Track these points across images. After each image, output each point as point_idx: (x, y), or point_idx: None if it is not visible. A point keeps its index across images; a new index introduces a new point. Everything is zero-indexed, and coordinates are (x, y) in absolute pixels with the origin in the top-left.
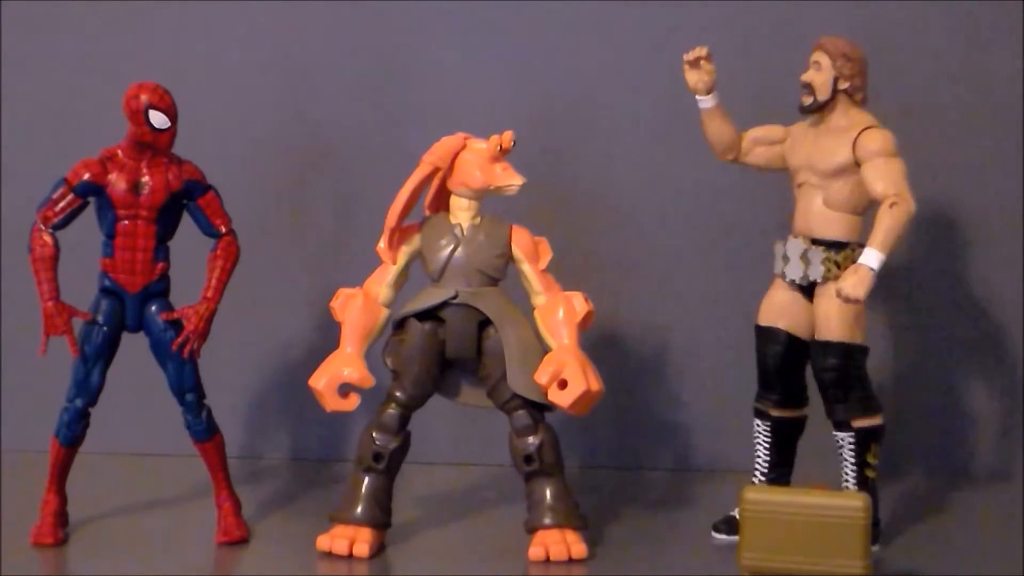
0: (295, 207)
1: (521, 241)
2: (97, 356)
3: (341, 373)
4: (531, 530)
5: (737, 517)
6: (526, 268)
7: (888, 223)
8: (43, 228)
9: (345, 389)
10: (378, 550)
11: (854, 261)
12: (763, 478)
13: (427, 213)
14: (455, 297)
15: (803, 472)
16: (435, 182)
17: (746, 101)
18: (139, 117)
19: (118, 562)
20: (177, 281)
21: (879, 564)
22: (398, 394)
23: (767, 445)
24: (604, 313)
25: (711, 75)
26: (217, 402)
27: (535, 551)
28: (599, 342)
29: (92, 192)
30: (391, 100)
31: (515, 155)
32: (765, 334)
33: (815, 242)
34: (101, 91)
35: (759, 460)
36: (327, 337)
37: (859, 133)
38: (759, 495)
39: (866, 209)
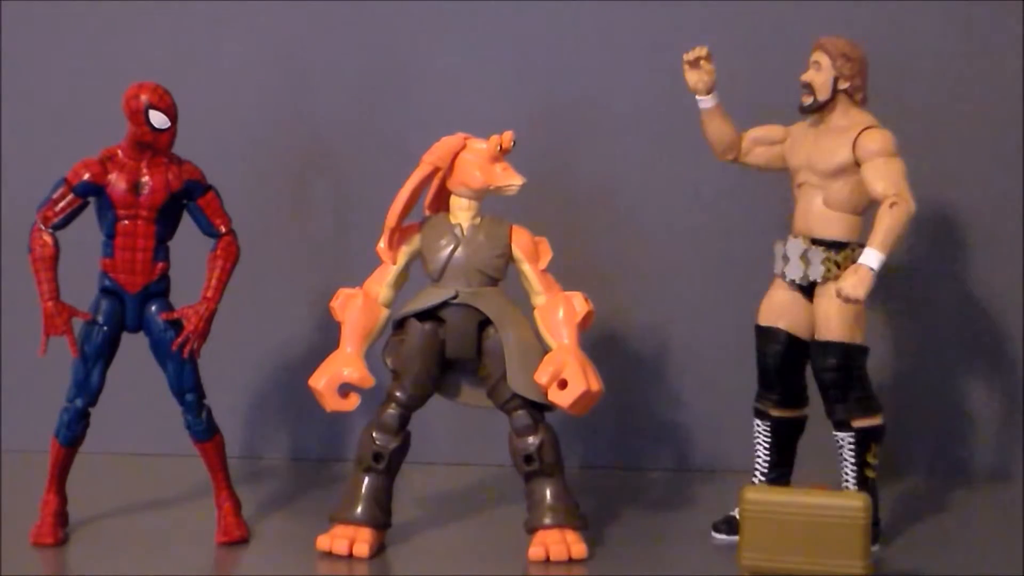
0: (295, 207)
1: (521, 241)
2: (97, 356)
3: (341, 373)
4: (531, 530)
5: (737, 517)
6: (526, 268)
7: (888, 223)
8: (43, 228)
9: (345, 389)
10: (378, 550)
11: (854, 261)
12: (763, 478)
13: (427, 213)
14: (455, 297)
15: (803, 472)
16: (435, 182)
17: (746, 101)
18: (139, 117)
19: (118, 562)
20: (177, 281)
21: (879, 564)
22: (398, 394)
23: (767, 445)
24: (604, 313)
25: (711, 75)
26: (217, 402)
27: (535, 551)
28: (599, 342)
29: (92, 192)
30: (391, 100)
31: (515, 155)
32: (765, 334)
33: (815, 242)
34: (101, 91)
35: (759, 460)
36: (327, 337)
37: (859, 133)
38: (759, 495)
39: (866, 209)
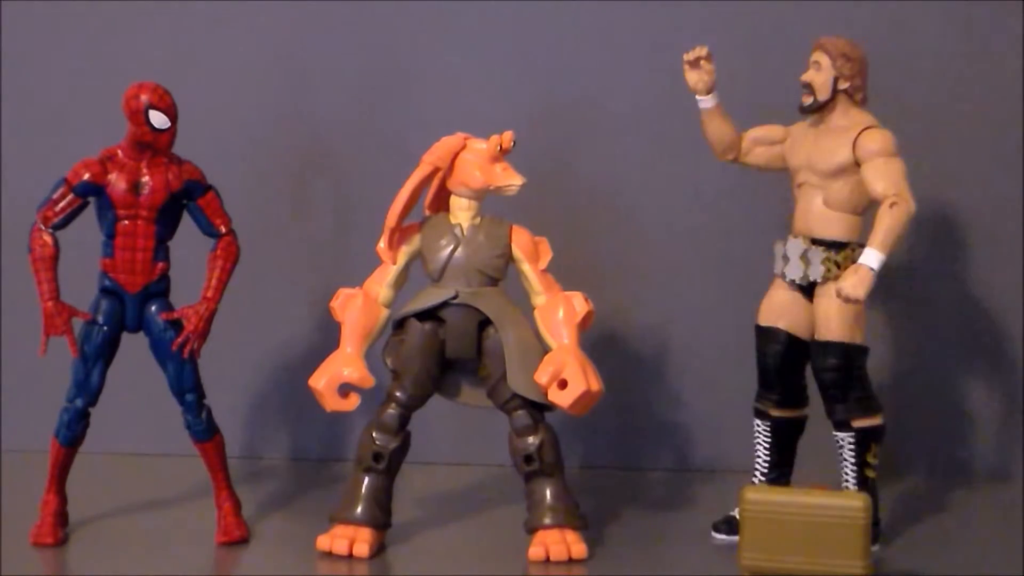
0: (295, 207)
1: (521, 241)
2: (97, 356)
3: (341, 373)
4: (531, 530)
5: (737, 517)
6: (526, 268)
7: (888, 223)
8: (43, 228)
9: (345, 389)
10: (378, 550)
11: (854, 261)
12: (763, 478)
13: (427, 213)
14: (455, 297)
15: (803, 472)
16: (435, 182)
17: (746, 101)
18: (139, 117)
19: (118, 562)
20: (177, 281)
21: (879, 564)
22: (398, 394)
23: (767, 445)
24: (604, 313)
25: (711, 75)
26: (217, 402)
27: (535, 551)
28: (599, 342)
29: (92, 192)
30: (391, 100)
31: (515, 155)
32: (765, 334)
33: (815, 242)
34: (101, 91)
35: (759, 460)
36: (327, 337)
37: (859, 133)
38: (759, 495)
39: (866, 209)
